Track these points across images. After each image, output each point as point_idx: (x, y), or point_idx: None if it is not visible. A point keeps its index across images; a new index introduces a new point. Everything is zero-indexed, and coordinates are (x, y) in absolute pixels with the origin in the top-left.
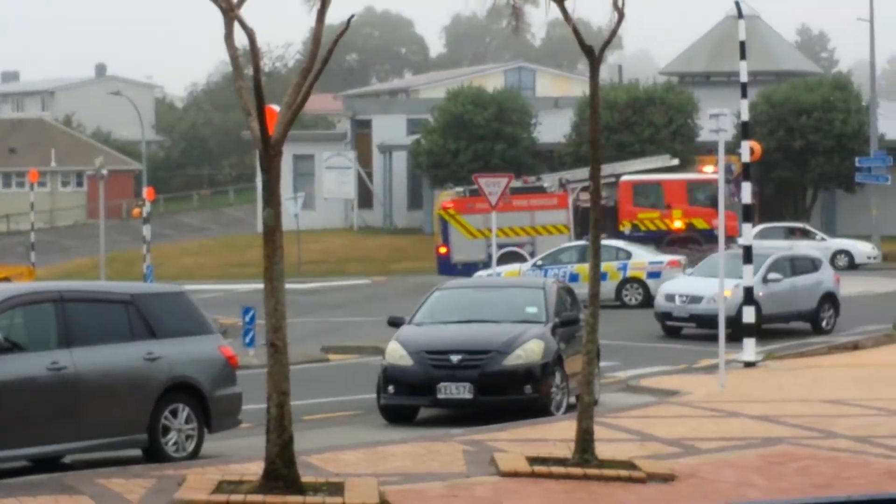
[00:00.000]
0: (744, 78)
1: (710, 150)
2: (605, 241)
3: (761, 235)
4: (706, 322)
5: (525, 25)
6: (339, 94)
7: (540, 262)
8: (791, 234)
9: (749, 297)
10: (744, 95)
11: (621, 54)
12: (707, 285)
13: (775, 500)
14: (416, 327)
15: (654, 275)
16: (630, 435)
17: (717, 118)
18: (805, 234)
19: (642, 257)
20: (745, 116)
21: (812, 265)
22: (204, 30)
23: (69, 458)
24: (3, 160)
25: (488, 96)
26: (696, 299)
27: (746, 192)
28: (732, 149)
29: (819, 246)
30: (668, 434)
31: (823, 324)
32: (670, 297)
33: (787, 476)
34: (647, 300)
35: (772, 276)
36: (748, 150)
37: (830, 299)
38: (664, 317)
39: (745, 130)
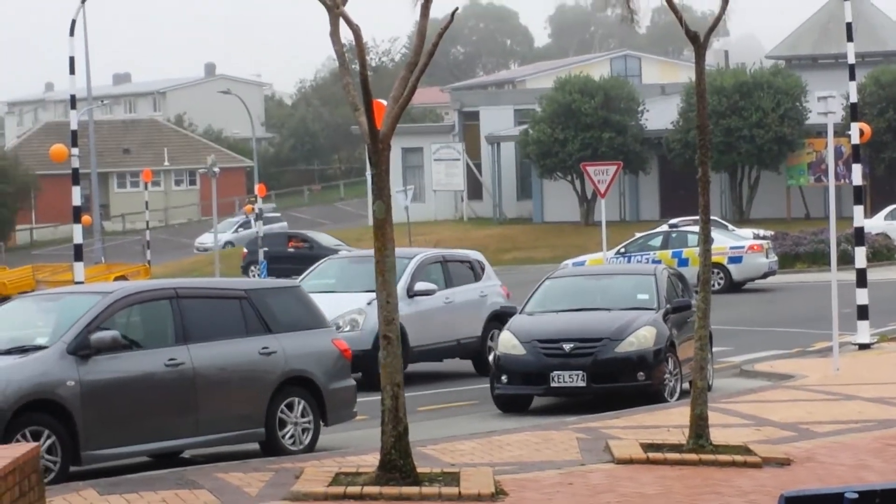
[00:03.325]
0: (851, 59)
1: (818, 132)
2: (685, 227)
3: (892, 216)
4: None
5: (636, 15)
6: (447, 86)
7: (623, 250)
8: None
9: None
10: (852, 77)
11: (727, 40)
12: (343, 302)
13: (893, 483)
14: (527, 316)
15: (735, 259)
16: (744, 420)
17: (826, 100)
18: None
19: (723, 242)
20: (854, 98)
21: (472, 271)
22: (310, 27)
23: (188, 454)
24: (117, 161)
25: (595, 85)
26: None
27: (856, 174)
28: (842, 131)
29: None
30: (782, 418)
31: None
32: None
33: None
34: (730, 285)
35: (420, 286)
36: (857, 131)
37: (499, 320)
38: None
39: (853, 112)
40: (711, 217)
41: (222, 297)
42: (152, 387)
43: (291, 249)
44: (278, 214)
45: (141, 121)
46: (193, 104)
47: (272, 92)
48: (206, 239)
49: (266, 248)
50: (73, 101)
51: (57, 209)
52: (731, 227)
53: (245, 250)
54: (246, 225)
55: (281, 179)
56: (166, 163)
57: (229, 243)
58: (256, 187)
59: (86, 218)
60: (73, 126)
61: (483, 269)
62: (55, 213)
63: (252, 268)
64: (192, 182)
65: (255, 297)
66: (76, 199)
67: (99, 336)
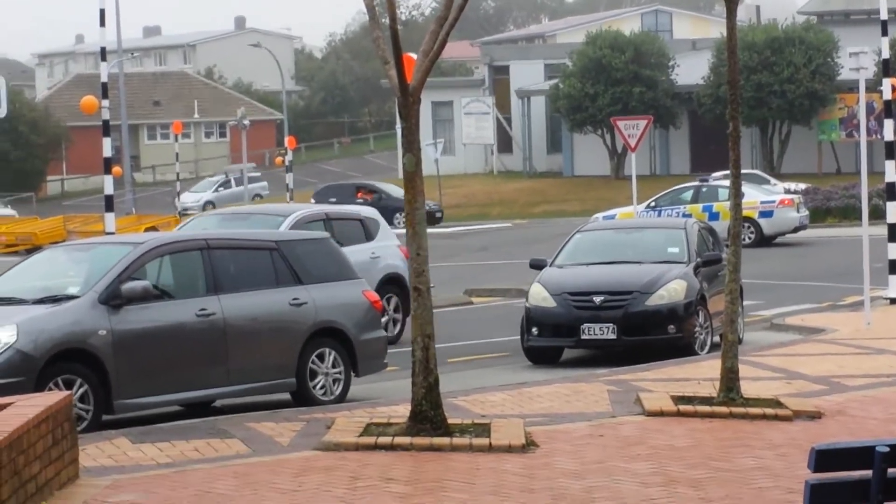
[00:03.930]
0: (884, 15)
1: (850, 88)
2: (715, 182)
3: None
4: None
5: None
6: (477, 40)
7: (654, 204)
8: None
9: None
10: (884, 33)
11: None
12: None
13: None
14: (558, 269)
15: (766, 214)
16: (775, 373)
17: (858, 56)
18: None
19: (754, 196)
20: (886, 54)
21: (363, 230)
22: None
23: (220, 403)
24: (147, 113)
25: (626, 40)
26: None
27: (888, 130)
28: (874, 87)
29: None
30: (813, 372)
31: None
32: None
33: None
34: (761, 240)
35: None
36: (889, 87)
37: (396, 283)
38: None
39: (885, 68)
40: (753, 171)
41: (253, 248)
42: (183, 337)
43: (360, 200)
44: (259, 174)
45: (171, 73)
46: (223, 57)
47: (302, 45)
48: (187, 199)
49: (334, 199)
50: (104, 54)
51: (88, 161)
52: (773, 180)
53: (312, 201)
54: (227, 185)
55: (311, 132)
56: (196, 115)
57: (210, 203)
58: (286, 140)
59: (116, 169)
60: (104, 78)
61: (377, 229)
62: (86, 165)
63: None
64: (223, 134)
65: (286, 249)
66: (107, 151)
67: (130, 286)
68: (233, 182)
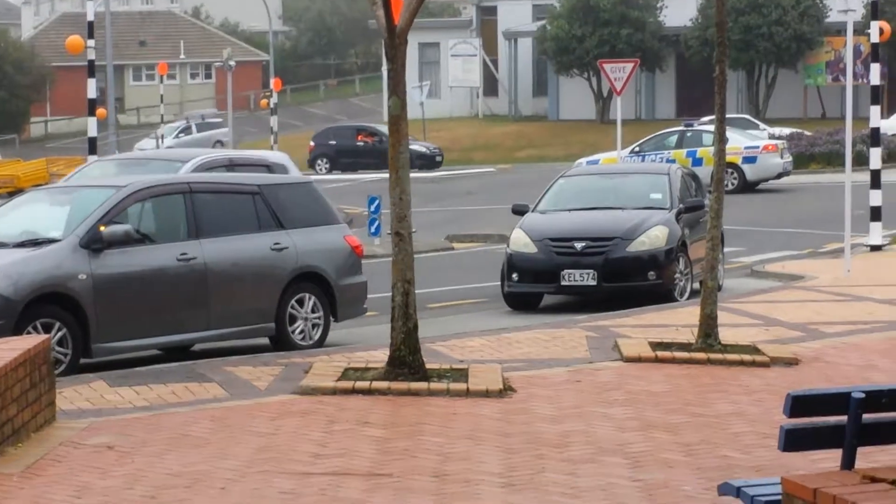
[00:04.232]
0: None
1: (838, 30)
2: (700, 127)
3: None
4: None
5: None
6: None
7: (637, 149)
8: None
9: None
10: None
11: None
12: None
13: None
14: (540, 215)
15: (750, 160)
16: (754, 320)
17: None
18: None
19: (737, 142)
20: None
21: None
22: None
23: (199, 347)
24: (133, 53)
25: None
26: None
27: (875, 74)
28: (861, 29)
29: None
30: (792, 318)
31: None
32: None
33: None
34: (744, 186)
35: None
36: (878, 30)
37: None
38: None
39: (874, 10)
40: (742, 115)
41: (235, 192)
42: (164, 281)
43: (361, 143)
44: (220, 120)
45: (158, 13)
46: None
47: None
48: (146, 145)
49: (334, 142)
50: None
51: (72, 102)
52: (762, 125)
53: (312, 143)
54: (187, 131)
55: (297, 74)
56: (182, 56)
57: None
58: (272, 81)
59: (101, 111)
60: (90, 17)
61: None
62: (70, 106)
63: (319, 161)
64: (208, 76)
65: (268, 193)
66: (91, 92)
67: (111, 230)
68: (194, 128)
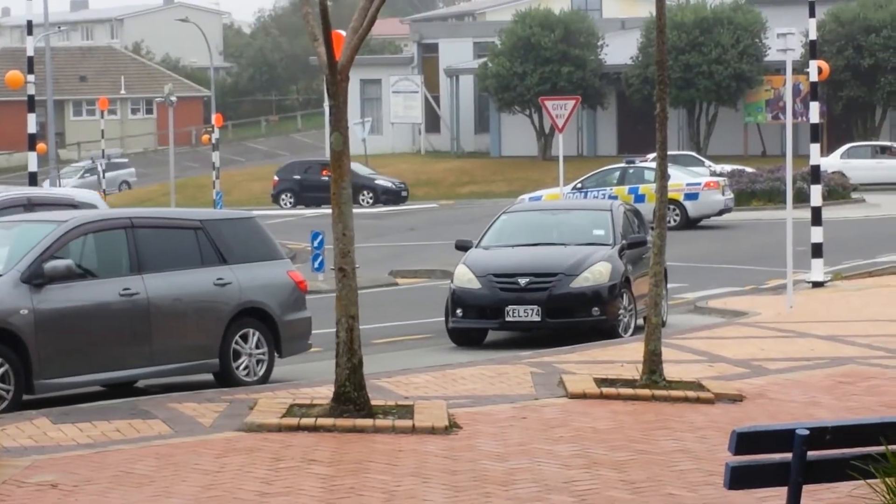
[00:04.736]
0: None
1: (777, 69)
2: (642, 164)
3: (849, 155)
4: None
5: None
6: (406, 18)
7: (580, 185)
8: (880, 152)
9: None
10: (812, 14)
11: None
12: None
13: (844, 420)
14: (483, 251)
15: (692, 196)
16: (698, 356)
17: (785, 37)
18: (893, 154)
19: (679, 179)
20: (814, 35)
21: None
22: None
23: (142, 384)
24: (73, 88)
25: (555, 18)
26: None
27: (814, 112)
28: (800, 68)
29: None
30: (735, 355)
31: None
32: None
33: (856, 396)
34: (686, 222)
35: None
36: (816, 69)
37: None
38: None
39: (813, 49)
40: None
41: (177, 227)
42: (106, 316)
43: (326, 178)
44: (126, 160)
45: (98, 48)
46: (151, 32)
47: (231, 21)
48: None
49: (298, 176)
50: (30, 27)
51: (12, 136)
52: (707, 161)
53: (276, 178)
54: (93, 171)
55: (238, 110)
56: (123, 91)
57: None
58: (213, 117)
59: (41, 146)
60: (30, 52)
61: None
62: (10, 141)
63: (283, 196)
64: (149, 111)
65: (211, 228)
66: (31, 127)
67: (53, 265)
68: (99, 168)
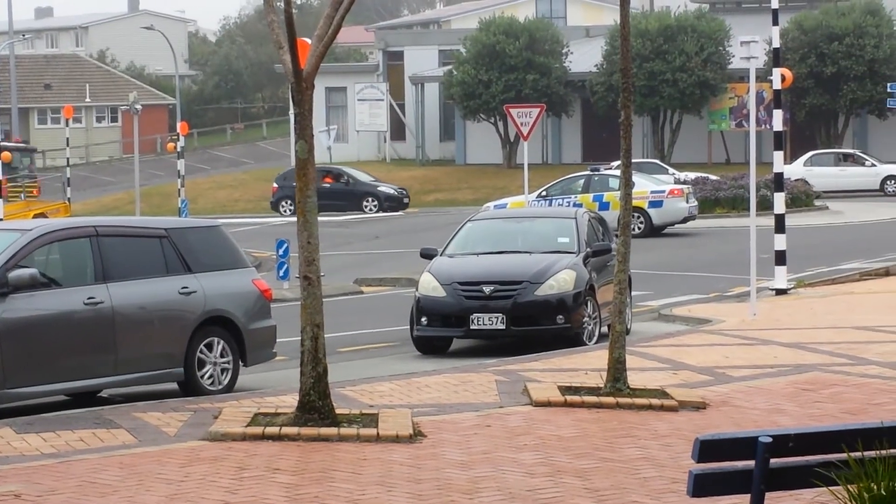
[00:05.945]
0: (775, 4)
1: (741, 77)
2: (607, 171)
3: (812, 163)
4: None
5: None
6: (371, 25)
7: (545, 193)
8: (843, 160)
9: None
10: (775, 22)
11: None
12: None
13: (807, 427)
14: (448, 259)
15: (656, 204)
16: (662, 364)
17: (749, 45)
18: (856, 161)
19: (644, 186)
20: (777, 43)
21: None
22: None
23: (106, 393)
24: (38, 96)
25: (520, 26)
26: None
27: (777, 120)
28: (764, 76)
29: (869, 172)
30: (699, 362)
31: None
32: None
33: (819, 403)
34: (651, 230)
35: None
36: (779, 77)
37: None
38: None
39: (776, 57)
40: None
41: (142, 235)
42: (71, 325)
43: (327, 185)
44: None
45: (63, 56)
46: (116, 40)
47: (196, 28)
48: None
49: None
50: None
51: None
52: (671, 169)
53: (275, 185)
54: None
55: (203, 118)
56: (88, 99)
57: None
58: (179, 125)
59: (5, 154)
60: None
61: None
62: None
63: (283, 204)
64: (114, 119)
65: (176, 237)
66: None
67: (17, 274)
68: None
